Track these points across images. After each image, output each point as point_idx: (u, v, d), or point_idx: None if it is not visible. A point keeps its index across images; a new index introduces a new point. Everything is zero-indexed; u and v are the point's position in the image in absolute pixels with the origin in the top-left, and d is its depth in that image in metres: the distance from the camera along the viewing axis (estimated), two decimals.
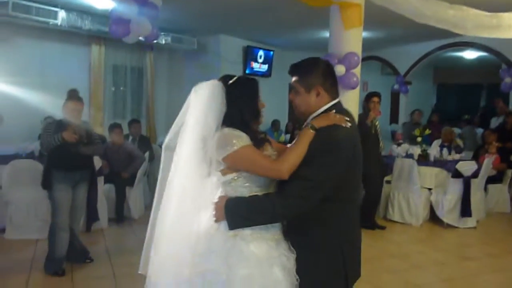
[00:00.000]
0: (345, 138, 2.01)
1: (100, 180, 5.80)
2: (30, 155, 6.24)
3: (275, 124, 10.97)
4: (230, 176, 2.06)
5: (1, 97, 7.12)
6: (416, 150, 7.20)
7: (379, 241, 5.94)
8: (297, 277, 2.03)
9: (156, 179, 7.29)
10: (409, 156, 7.14)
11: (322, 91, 2.11)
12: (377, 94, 6.28)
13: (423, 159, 7.05)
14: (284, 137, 10.44)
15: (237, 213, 2.01)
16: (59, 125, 4.47)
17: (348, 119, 2.06)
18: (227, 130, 2.04)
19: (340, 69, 5.51)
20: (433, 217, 6.75)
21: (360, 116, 5.97)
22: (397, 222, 6.78)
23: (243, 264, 1.97)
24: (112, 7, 5.84)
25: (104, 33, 8.28)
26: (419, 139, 7.39)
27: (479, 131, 10.61)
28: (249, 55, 11.14)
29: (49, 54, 8.59)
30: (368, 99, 6.24)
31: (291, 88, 2.19)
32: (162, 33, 9.19)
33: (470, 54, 12.00)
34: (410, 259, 5.30)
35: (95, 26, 8.35)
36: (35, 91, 7.39)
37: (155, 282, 2.15)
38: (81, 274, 4.57)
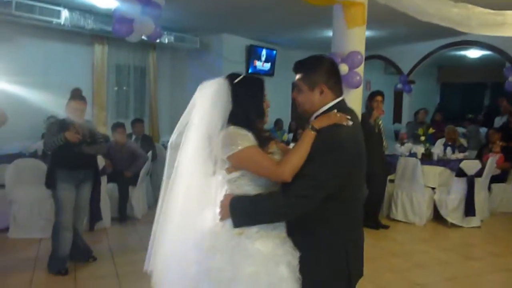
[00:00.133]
0: (347, 136, 2.00)
1: (103, 179, 5.80)
2: (34, 154, 6.24)
3: (278, 123, 10.95)
4: (235, 174, 2.06)
5: (5, 97, 7.12)
6: (420, 149, 7.18)
7: (383, 241, 5.92)
8: (300, 275, 2.03)
9: (159, 179, 7.26)
10: (412, 155, 7.12)
11: (325, 89, 2.10)
12: (380, 93, 6.27)
13: (427, 158, 7.03)
14: (287, 136, 10.42)
15: (241, 212, 2.02)
16: (62, 125, 4.47)
17: (350, 117, 2.04)
18: (232, 128, 2.03)
19: (343, 68, 5.50)
20: (437, 217, 6.74)
21: (363, 115, 5.96)
22: (400, 221, 6.77)
23: (248, 262, 1.98)
24: (115, 6, 5.84)
25: (107, 32, 8.29)
26: (422, 138, 7.37)
27: (483, 130, 10.58)
28: (252, 54, 11.12)
29: (52, 54, 8.60)
30: (372, 98, 6.23)
31: (295, 85, 2.18)
32: (165, 32, 9.19)
33: (474, 53, 11.96)
34: (413, 258, 5.29)
35: (98, 25, 8.36)
36: (38, 91, 7.39)
37: (161, 279, 2.16)
38: (84, 273, 4.57)
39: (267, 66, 11.54)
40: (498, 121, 9.59)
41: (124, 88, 10.29)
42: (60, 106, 4.67)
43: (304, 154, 1.96)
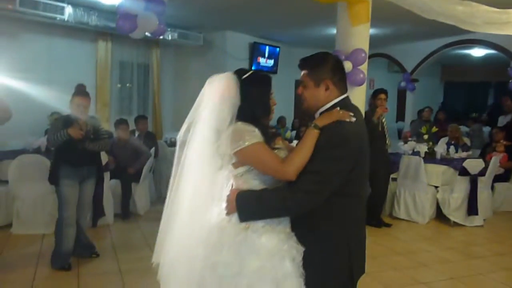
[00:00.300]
0: (351, 132, 2.01)
1: (106, 175, 5.80)
2: (37, 150, 6.25)
3: (281, 120, 10.95)
4: (241, 169, 2.08)
5: (8, 92, 7.13)
6: (423, 148, 7.16)
7: (385, 239, 5.92)
8: (303, 271, 2.04)
9: (161, 175, 7.27)
10: (415, 153, 7.11)
11: (331, 85, 2.11)
12: (384, 91, 6.25)
13: (430, 157, 7.02)
14: (290, 133, 10.42)
15: (247, 206, 2.04)
16: (66, 121, 4.48)
17: (354, 114, 2.05)
18: (240, 124, 2.04)
19: (347, 66, 5.48)
20: (440, 215, 6.72)
21: (366, 113, 5.94)
22: (403, 219, 6.76)
23: (254, 257, 1.99)
24: (119, 3, 5.85)
25: (111, 29, 8.31)
26: (425, 136, 7.35)
27: (486, 129, 10.55)
28: (255, 51, 11.12)
29: (56, 50, 8.62)
30: (375, 96, 6.22)
31: (300, 82, 2.19)
32: (169, 29, 9.19)
33: (477, 52, 11.93)
34: (416, 257, 5.28)
35: (102, 22, 8.38)
36: (41, 87, 7.40)
37: (167, 273, 2.17)
38: (87, 269, 4.58)
39: (271, 62, 11.54)
40: (502, 120, 9.55)
41: (128, 84, 10.29)
42: (64, 103, 4.68)
43: (308, 153, 1.97)
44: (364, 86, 5.86)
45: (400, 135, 11.87)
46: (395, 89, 12.92)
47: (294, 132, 10.78)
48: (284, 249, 2.03)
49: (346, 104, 2.12)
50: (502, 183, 7.57)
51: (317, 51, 2.23)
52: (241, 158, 2.04)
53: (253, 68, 10.86)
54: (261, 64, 11.29)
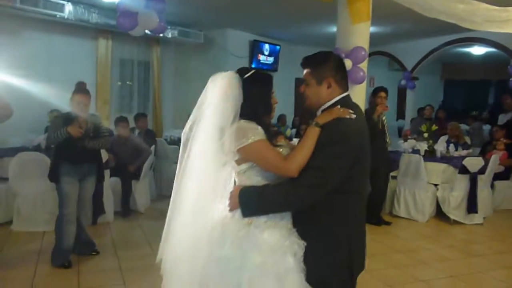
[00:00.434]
0: (351, 129, 2.04)
1: (106, 173, 5.81)
2: (37, 148, 6.25)
3: (281, 118, 10.95)
4: (244, 165, 2.11)
5: (8, 90, 7.14)
6: (423, 146, 7.16)
7: (385, 237, 5.92)
8: (304, 266, 2.07)
9: (161, 173, 7.27)
10: (415, 151, 7.11)
11: (333, 83, 2.15)
12: (384, 89, 6.25)
13: (430, 155, 7.02)
14: (291, 131, 10.43)
15: (250, 202, 2.08)
16: (66, 119, 4.48)
17: (354, 112, 2.09)
18: (243, 122, 2.08)
19: (347, 64, 5.45)
20: (440, 213, 6.73)
21: (366, 111, 5.94)
22: (403, 218, 6.76)
23: (256, 252, 2.03)
24: (119, 0, 5.84)
25: (111, 26, 8.30)
26: (425, 134, 7.35)
27: (486, 127, 10.55)
28: (255, 49, 11.12)
29: (56, 47, 8.62)
30: (375, 94, 6.21)
31: (303, 80, 2.22)
32: (169, 27, 9.20)
33: (478, 50, 11.93)
34: (416, 255, 5.29)
35: (102, 19, 8.38)
36: (41, 84, 7.42)
37: (171, 268, 2.20)
38: (87, 266, 4.58)
39: (271, 59, 11.54)
40: (502, 118, 9.55)
41: (128, 82, 10.30)
42: (64, 100, 4.68)
43: (309, 151, 2.01)
44: (364, 84, 5.86)
45: (400, 133, 11.87)
46: (395, 87, 12.92)
47: (294, 130, 10.78)
48: (286, 245, 2.06)
49: (347, 102, 2.16)
50: (502, 181, 7.57)
51: (317, 49, 2.28)
52: (244, 155, 2.07)
53: (253, 65, 10.87)
54: (262, 61, 11.29)
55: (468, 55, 12.65)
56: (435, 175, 6.71)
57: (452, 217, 6.54)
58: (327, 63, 2.17)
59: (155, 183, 7.67)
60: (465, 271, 4.85)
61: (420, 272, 4.76)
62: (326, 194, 2.02)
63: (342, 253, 2.10)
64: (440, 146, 7.32)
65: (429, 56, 11.61)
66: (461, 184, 6.52)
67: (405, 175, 6.81)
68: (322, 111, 2.16)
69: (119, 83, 10.09)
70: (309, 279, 2.06)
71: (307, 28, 10.19)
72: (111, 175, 6.26)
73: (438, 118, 10.46)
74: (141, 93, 10.55)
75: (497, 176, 7.32)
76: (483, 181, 6.73)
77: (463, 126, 10.13)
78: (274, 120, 10.56)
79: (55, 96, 6.79)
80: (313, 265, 2.07)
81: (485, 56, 12.36)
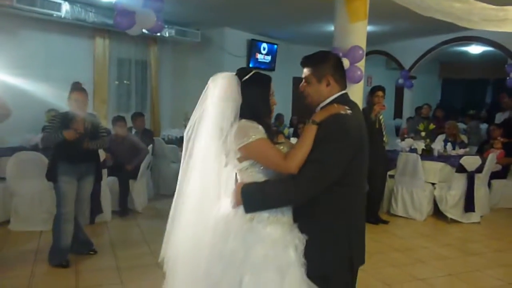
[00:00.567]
0: (348, 124, 2.11)
1: (104, 172, 5.80)
2: (35, 147, 6.24)
3: (279, 118, 10.94)
4: (246, 163, 2.16)
5: (6, 89, 7.12)
6: (420, 145, 7.17)
7: (383, 236, 5.93)
8: (305, 260, 2.10)
9: (159, 172, 7.27)
10: (413, 150, 7.12)
11: (332, 81, 2.23)
12: (381, 88, 6.26)
13: (427, 154, 7.03)
14: (288, 130, 10.43)
15: (252, 198, 2.12)
16: (64, 118, 4.48)
17: (351, 109, 2.15)
18: (244, 121, 2.13)
19: (344, 63, 5.48)
20: (437, 212, 6.75)
21: (364, 110, 5.93)
22: (400, 216, 6.78)
23: (260, 245, 2.07)
24: None
25: (109, 25, 8.28)
26: (423, 133, 7.37)
27: (484, 126, 10.57)
28: (253, 48, 11.12)
29: (53, 47, 8.59)
30: (373, 93, 6.22)
31: (303, 78, 2.29)
32: (166, 26, 9.17)
33: (475, 49, 11.94)
34: (414, 253, 5.30)
35: (99, 18, 8.35)
36: (39, 83, 7.40)
37: (174, 263, 2.25)
38: (85, 265, 4.58)
39: (268, 58, 11.54)
40: (499, 117, 9.58)
41: (125, 81, 10.28)
42: (61, 99, 4.68)
43: (308, 148, 2.06)
44: (361, 83, 5.87)
45: (397, 132, 11.90)
46: (393, 86, 12.94)
47: (292, 130, 10.78)
48: (288, 239, 2.11)
49: (345, 99, 2.24)
50: (500, 180, 7.59)
51: (315, 48, 2.36)
52: (246, 153, 2.12)
53: (251, 64, 10.87)
54: (259, 59, 11.28)
55: (466, 54, 12.67)
56: (433, 174, 6.72)
57: (449, 215, 6.56)
58: (326, 62, 2.25)
59: (153, 183, 7.66)
60: (462, 269, 4.86)
61: (418, 270, 4.78)
62: (328, 186, 2.07)
63: (342, 247, 2.15)
64: (438, 145, 7.34)
65: (427, 55, 11.61)
66: (459, 183, 6.53)
67: (403, 174, 6.82)
68: (321, 108, 2.22)
69: (117, 82, 10.07)
70: (309, 273, 2.10)
71: (304, 27, 10.18)
72: (108, 175, 6.25)
73: (436, 117, 10.49)
74: (138, 92, 10.53)
75: (494, 175, 7.34)
76: (480, 180, 6.74)
77: (461, 125, 10.16)
78: (271, 120, 10.58)
79: (52, 95, 6.78)
80: (313, 259, 2.10)
81: (483, 55, 12.38)
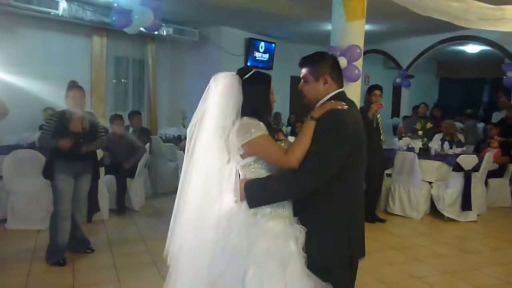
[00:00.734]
0: (345, 118, 2.18)
1: (101, 171, 5.80)
2: (32, 145, 6.23)
3: (276, 116, 10.95)
4: (249, 159, 2.22)
5: (3, 87, 7.11)
6: (417, 144, 7.19)
7: (380, 234, 5.95)
8: (305, 253, 2.16)
9: (156, 171, 7.24)
10: (410, 149, 7.13)
11: (329, 80, 2.31)
12: (379, 87, 6.26)
13: (424, 153, 7.05)
14: (286, 129, 10.43)
15: (256, 193, 2.19)
16: (61, 118, 4.48)
17: (348, 106, 2.23)
18: (246, 119, 2.20)
19: (342, 62, 5.49)
20: (434, 211, 6.77)
21: (361, 109, 5.95)
22: (397, 215, 6.79)
23: (263, 239, 2.13)
24: None
25: (106, 24, 8.27)
26: (420, 132, 7.38)
27: (481, 125, 10.59)
28: (251, 47, 11.11)
29: (51, 45, 8.58)
30: (370, 92, 6.23)
31: (302, 78, 2.37)
32: (164, 25, 9.17)
33: (472, 48, 11.95)
34: (411, 251, 5.31)
35: (97, 16, 8.35)
36: (36, 82, 7.38)
37: (177, 258, 2.29)
38: (82, 264, 4.58)
39: (266, 56, 11.54)
40: (496, 116, 9.60)
41: (123, 80, 10.28)
42: (59, 98, 4.68)
43: (307, 143, 2.14)
44: (359, 82, 5.87)
45: (395, 131, 11.90)
46: (390, 85, 12.95)
47: (289, 128, 10.78)
48: (289, 232, 2.18)
49: (342, 97, 2.31)
50: (496, 178, 7.61)
51: (312, 47, 2.41)
52: (248, 150, 2.19)
53: (249, 63, 10.87)
54: (257, 58, 11.28)
55: (463, 53, 12.68)
56: (430, 173, 6.74)
57: (446, 214, 6.58)
58: (324, 61, 2.34)
59: (150, 181, 7.65)
60: (459, 267, 4.87)
61: (414, 269, 4.79)
62: (328, 178, 2.13)
63: (342, 239, 2.21)
64: (435, 144, 7.35)
65: (424, 54, 11.62)
66: (455, 181, 6.55)
67: (400, 172, 6.83)
68: (317, 106, 2.28)
69: (114, 80, 10.07)
70: (310, 265, 2.15)
71: (302, 26, 10.18)
72: (106, 173, 6.25)
73: (434, 116, 10.50)
74: (136, 90, 10.53)
75: (491, 174, 7.35)
76: (477, 179, 6.76)
77: (458, 124, 10.18)
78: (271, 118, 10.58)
79: (49, 93, 6.76)
80: (313, 251, 2.16)
81: (480, 54, 12.39)
